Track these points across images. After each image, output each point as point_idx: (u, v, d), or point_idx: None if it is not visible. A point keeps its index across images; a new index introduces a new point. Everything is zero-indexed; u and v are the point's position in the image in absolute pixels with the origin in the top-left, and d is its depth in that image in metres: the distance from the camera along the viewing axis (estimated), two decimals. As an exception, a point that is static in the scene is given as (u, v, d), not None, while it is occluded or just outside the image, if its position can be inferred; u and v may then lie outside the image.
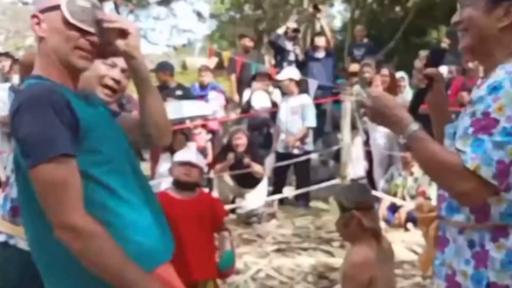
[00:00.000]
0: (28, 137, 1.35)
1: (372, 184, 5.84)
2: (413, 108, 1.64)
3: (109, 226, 1.41)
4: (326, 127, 7.45)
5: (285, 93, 6.58)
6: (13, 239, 1.88)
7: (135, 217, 1.49)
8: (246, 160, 5.56)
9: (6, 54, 5.05)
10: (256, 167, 5.59)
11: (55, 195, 1.34)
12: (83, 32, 1.49)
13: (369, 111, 1.57)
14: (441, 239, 1.59)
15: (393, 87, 5.85)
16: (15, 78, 4.67)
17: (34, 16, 1.52)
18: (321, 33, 7.88)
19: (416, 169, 5.21)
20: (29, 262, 1.70)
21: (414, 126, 1.46)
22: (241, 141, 5.68)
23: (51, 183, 1.34)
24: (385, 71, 6.09)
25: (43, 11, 1.50)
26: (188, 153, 3.34)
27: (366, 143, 6.21)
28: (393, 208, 5.28)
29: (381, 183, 5.70)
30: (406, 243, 4.60)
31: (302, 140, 6.21)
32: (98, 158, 1.46)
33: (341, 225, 2.17)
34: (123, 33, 1.54)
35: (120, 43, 1.54)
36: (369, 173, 6.17)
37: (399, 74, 6.27)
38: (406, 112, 1.53)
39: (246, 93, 6.88)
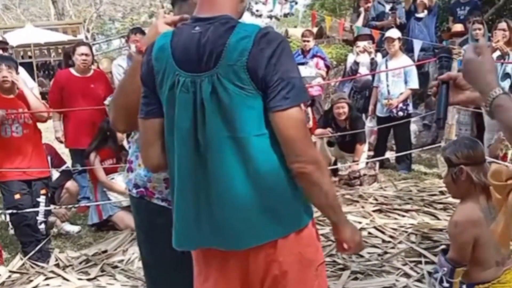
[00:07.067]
0: (294, 79, 1.45)
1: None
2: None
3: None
4: (428, 90, 7.26)
5: (385, 56, 6.48)
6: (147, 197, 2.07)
7: None
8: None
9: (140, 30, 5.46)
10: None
11: (305, 133, 1.49)
12: None
13: (462, 75, 1.47)
14: None
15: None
16: (132, 47, 5.07)
17: None
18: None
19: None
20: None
21: (495, 92, 1.30)
22: (343, 109, 5.79)
23: (303, 123, 1.49)
24: (503, 25, 5.67)
25: None
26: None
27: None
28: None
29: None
30: None
31: (405, 102, 6.13)
32: None
33: (450, 181, 2.07)
34: None
35: None
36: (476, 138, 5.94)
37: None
38: (493, 76, 1.35)
39: (349, 57, 6.87)
